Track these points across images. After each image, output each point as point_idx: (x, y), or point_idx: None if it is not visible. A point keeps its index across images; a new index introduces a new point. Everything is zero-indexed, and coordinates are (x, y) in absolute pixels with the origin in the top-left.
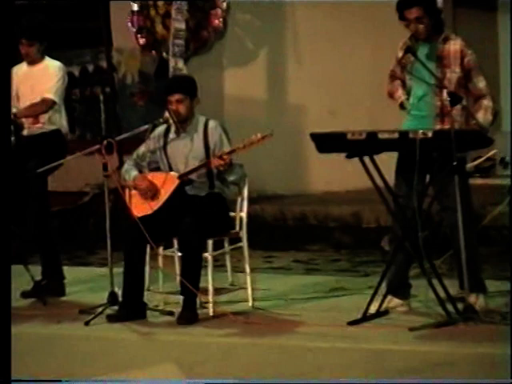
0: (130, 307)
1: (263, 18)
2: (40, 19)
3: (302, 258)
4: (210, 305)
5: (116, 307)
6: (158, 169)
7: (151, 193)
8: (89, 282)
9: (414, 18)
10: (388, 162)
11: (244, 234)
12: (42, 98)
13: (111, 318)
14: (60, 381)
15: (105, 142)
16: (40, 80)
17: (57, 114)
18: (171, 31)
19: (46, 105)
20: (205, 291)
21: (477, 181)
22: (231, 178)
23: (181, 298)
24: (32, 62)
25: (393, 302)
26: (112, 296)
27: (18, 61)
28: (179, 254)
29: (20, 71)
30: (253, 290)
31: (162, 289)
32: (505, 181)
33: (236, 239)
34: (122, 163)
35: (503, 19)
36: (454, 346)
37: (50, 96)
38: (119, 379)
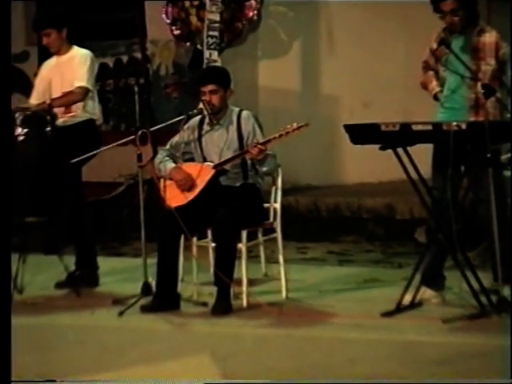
0: (163, 298)
1: (297, 10)
2: (53, 8)
3: (335, 249)
4: (244, 295)
5: (150, 298)
6: (191, 159)
7: (188, 184)
8: (122, 273)
9: (449, 10)
10: (423, 153)
11: (278, 225)
12: (75, 86)
13: (145, 309)
14: (61, 381)
15: (139, 133)
16: (69, 69)
17: (89, 102)
18: (205, 23)
19: (81, 94)
20: (239, 282)
21: (510, 173)
22: (264, 169)
23: (215, 288)
24: (59, 52)
25: (426, 293)
26: (146, 286)
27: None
28: (213, 244)
29: (51, 64)
30: (286, 280)
31: (195, 279)
32: None
33: (270, 230)
34: (156, 154)
35: None
36: (488, 338)
37: (83, 84)
38: (119, 379)
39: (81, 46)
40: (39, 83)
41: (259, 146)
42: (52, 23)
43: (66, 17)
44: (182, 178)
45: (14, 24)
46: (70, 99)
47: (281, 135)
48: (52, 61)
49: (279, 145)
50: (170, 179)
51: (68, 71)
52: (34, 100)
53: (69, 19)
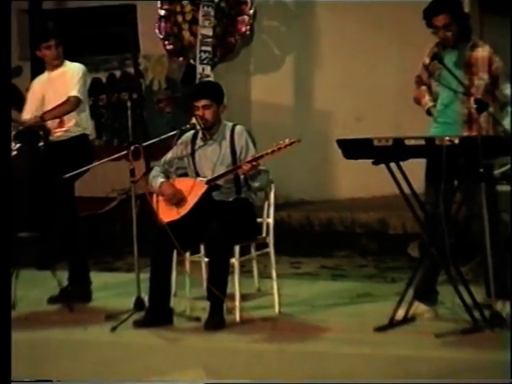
0: (156, 313)
1: (289, 25)
2: (57, 25)
3: (328, 263)
4: (237, 310)
5: (143, 313)
6: (185, 174)
7: (176, 199)
8: (115, 288)
9: (441, 25)
10: (416, 168)
11: (271, 240)
12: (67, 97)
13: (138, 324)
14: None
15: (132, 148)
16: (62, 83)
17: (82, 116)
18: (198, 38)
19: (72, 103)
20: (231, 297)
21: (504, 188)
22: (256, 184)
23: (207, 303)
24: (52, 68)
25: (419, 308)
26: (138, 301)
27: (40, 67)
28: (206, 259)
29: (43, 79)
30: (279, 295)
31: (188, 294)
32: None
33: (263, 245)
34: (149, 169)
35: None
36: (480, 353)
37: (75, 93)
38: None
39: (73, 60)
40: (31, 98)
41: (251, 162)
42: (54, 35)
43: (63, 33)
44: (170, 192)
45: None
46: (61, 110)
47: (273, 151)
48: (44, 76)
49: (272, 160)
50: (161, 194)
51: (61, 85)
52: (27, 115)
53: (65, 36)
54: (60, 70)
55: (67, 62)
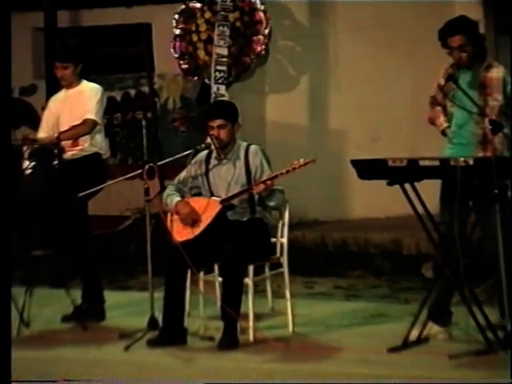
0: (170, 332)
1: (304, 45)
2: (73, 42)
3: (342, 284)
4: (251, 330)
5: (156, 332)
6: (199, 194)
7: (191, 219)
8: (129, 307)
9: (457, 46)
10: (430, 188)
11: (285, 260)
12: (83, 119)
13: (151, 343)
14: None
15: (146, 167)
16: (78, 102)
17: (97, 135)
18: (213, 57)
19: (89, 126)
20: (245, 316)
21: None
22: (271, 204)
23: (221, 323)
24: (69, 86)
25: (433, 329)
26: (152, 320)
27: (55, 86)
28: (220, 279)
29: (59, 98)
30: (293, 315)
31: (202, 314)
32: None
33: (277, 264)
34: (163, 188)
35: None
36: (494, 375)
37: (92, 116)
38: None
39: (88, 79)
40: (47, 117)
41: (266, 181)
42: (72, 57)
43: (84, 52)
44: (186, 212)
45: (22, 57)
46: (77, 132)
47: (288, 171)
48: (61, 94)
49: (286, 179)
50: (176, 213)
51: (77, 105)
52: (42, 133)
53: (85, 55)
54: (77, 89)
55: (84, 82)
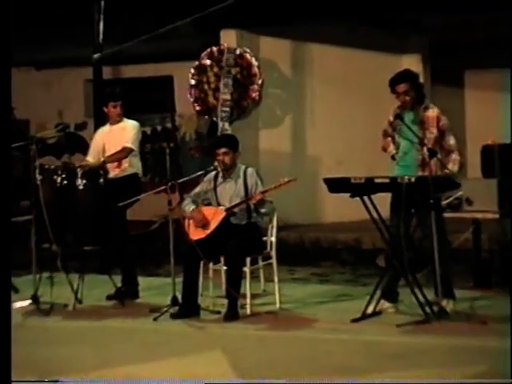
0: (187, 307)
1: (288, 92)
2: (117, 90)
3: (316, 271)
4: (248, 306)
5: (177, 307)
6: (209, 204)
7: (202, 223)
8: (157, 289)
9: (402, 92)
10: (382, 199)
11: (273, 253)
12: (122, 147)
13: (173, 316)
14: (59, 381)
15: (169, 184)
16: (121, 135)
17: (134, 159)
18: (220, 101)
19: (126, 152)
20: (244, 296)
21: (448, 214)
22: (263, 211)
23: (226, 301)
24: (114, 123)
25: (385, 305)
26: (174, 299)
27: (101, 122)
28: (225, 268)
29: (105, 131)
30: (280, 295)
31: (211, 294)
32: (469, 215)
33: (267, 257)
34: (182, 200)
35: (468, 93)
36: (431, 338)
37: (129, 145)
38: (119, 379)
39: (127, 118)
40: (94, 145)
41: (259, 195)
42: (120, 98)
43: (122, 99)
44: (199, 217)
45: (76, 101)
46: (118, 156)
47: (276, 187)
48: (106, 128)
49: (275, 193)
50: (192, 218)
51: (120, 137)
52: (90, 158)
53: (123, 101)
54: (120, 125)
55: (125, 119)
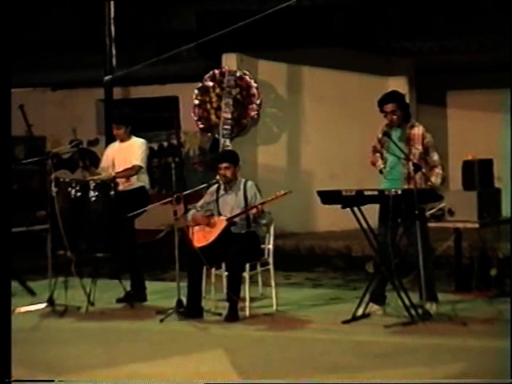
0: (191, 309)
1: (284, 111)
2: (126, 110)
3: (310, 276)
4: (247, 308)
5: (182, 310)
6: (211, 215)
7: (208, 224)
8: (163, 292)
9: (390, 111)
10: (371, 210)
11: (271, 260)
12: (133, 164)
13: (179, 317)
14: (60, 381)
15: (175, 196)
16: (130, 152)
17: (142, 175)
18: (221, 119)
19: (136, 169)
20: (243, 299)
21: (432, 224)
22: (262, 221)
23: (227, 303)
24: (122, 140)
25: (373, 307)
26: (179, 302)
27: (112, 139)
28: (226, 273)
29: (115, 147)
30: (276, 298)
31: (213, 297)
32: (451, 224)
33: (265, 263)
34: (186, 210)
35: (451, 112)
36: (416, 338)
37: (138, 163)
38: (119, 379)
39: (135, 135)
40: (105, 160)
41: (258, 206)
42: (124, 121)
43: (133, 117)
44: (204, 222)
45: (88, 120)
46: (128, 173)
47: (273, 199)
48: (115, 145)
49: (272, 205)
50: (197, 224)
51: (128, 153)
52: (101, 172)
53: (134, 119)
54: (128, 143)
55: (133, 137)
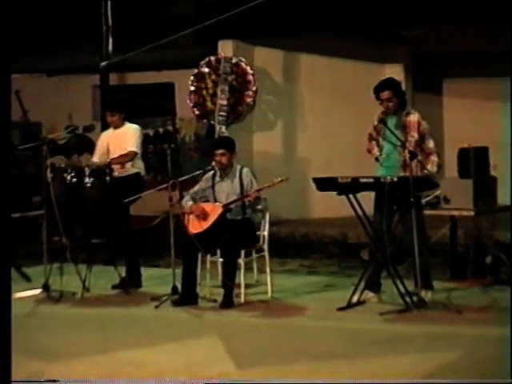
0: (186, 296)
1: (280, 98)
2: (120, 96)
3: (305, 263)
4: (242, 295)
5: (177, 296)
6: (207, 201)
7: (202, 215)
8: (158, 279)
9: (385, 98)
10: (367, 198)
11: (266, 247)
12: (128, 150)
13: (174, 304)
14: (58, 381)
15: (170, 182)
16: (124, 138)
17: (137, 161)
18: (217, 106)
19: (131, 156)
20: (238, 286)
21: (427, 212)
22: (258, 208)
23: (222, 290)
24: (116, 127)
25: (368, 295)
26: (174, 288)
27: (107, 125)
28: (221, 259)
29: (109, 133)
30: (271, 285)
31: (208, 284)
32: (446, 212)
33: (260, 250)
34: (182, 197)
35: (446, 100)
36: (411, 326)
37: (133, 149)
38: (119, 379)
39: (131, 121)
40: (100, 146)
41: (254, 193)
42: (118, 109)
43: (127, 104)
44: (198, 210)
45: (84, 105)
46: (124, 159)
47: (269, 186)
48: (109, 131)
49: (268, 191)
50: (191, 213)
51: (122, 139)
52: (96, 158)
53: (128, 105)
54: (122, 129)
55: (127, 123)
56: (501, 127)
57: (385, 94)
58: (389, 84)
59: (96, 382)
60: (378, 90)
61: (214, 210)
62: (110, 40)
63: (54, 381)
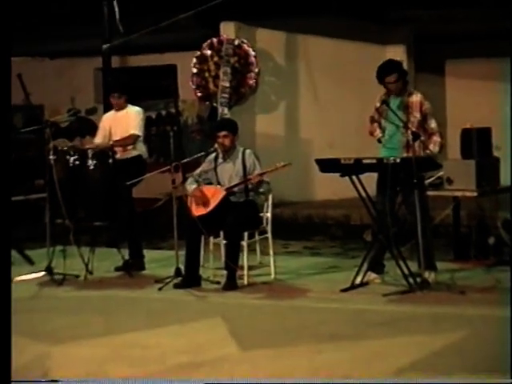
0: (189, 278)
1: (283, 80)
2: (124, 79)
3: (308, 245)
4: (245, 277)
5: (180, 278)
6: (210, 183)
7: (201, 201)
8: (161, 261)
9: (392, 82)
10: (370, 179)
11: (269, 228)
12: (130, 133)
13: (177, 286)
14: (58, 381)
15: (173, 164)
16: (127, 121)
17: (139, 143)
18: (219, 88)
19: (134, 138)
20: (241, 267)
21: (430, 193)
22: (261, 190)
23: (225, 272)
24: (119, 109)
25: (371, 276)
26: (177, 270)
27: (110, 108)
28: (224, 241)
29: (111, 116)
30: (275, 267)
31: (212, 266)
32: (449, 193)
33: (263, 231)
34: (185, 179)
35: (449, 80)
36: (414, 307)
37: (136, 132)
38: (119, 379)
39: (133, 103)
40: (102, 129)
41: (257, 176)
42: (122, 91)
43: (130, 86)
44: (198, 195)
45: (87, 88)
46: (126, 142)
47: (272, 170)
48: (111, 113)
49: (270, 174)
50: (193, 196)
51: (124, 122)
52: (98, 140)
53: (131, 87)
54: (124, 111)
55: (129, 105)
56: (503, 108)
57: (391, 78)
58: (393, 67)
59: (96, 381)
60: (382, 73)
61: (217, 193)
62: (117, 16)
63: (54, 381)
